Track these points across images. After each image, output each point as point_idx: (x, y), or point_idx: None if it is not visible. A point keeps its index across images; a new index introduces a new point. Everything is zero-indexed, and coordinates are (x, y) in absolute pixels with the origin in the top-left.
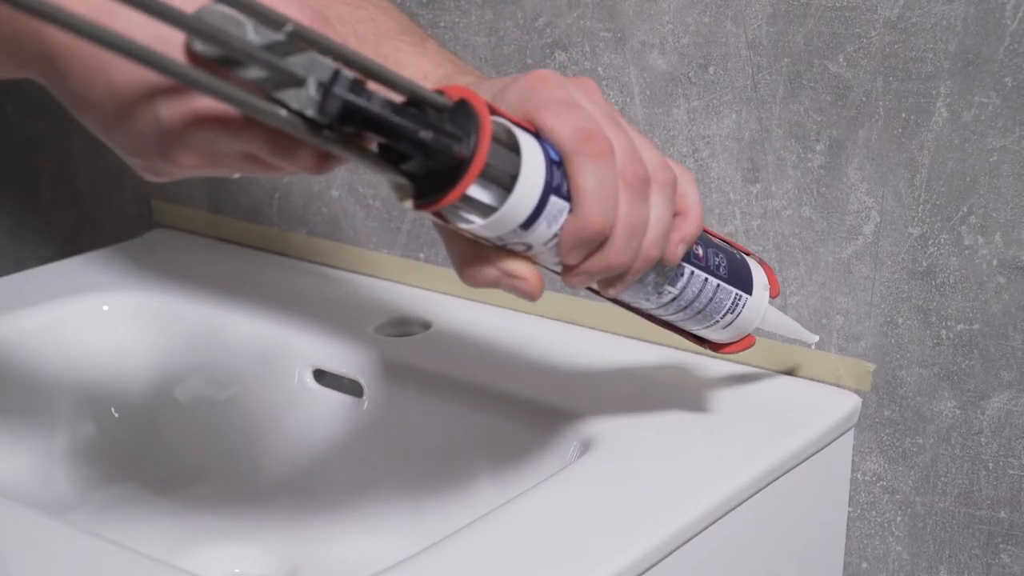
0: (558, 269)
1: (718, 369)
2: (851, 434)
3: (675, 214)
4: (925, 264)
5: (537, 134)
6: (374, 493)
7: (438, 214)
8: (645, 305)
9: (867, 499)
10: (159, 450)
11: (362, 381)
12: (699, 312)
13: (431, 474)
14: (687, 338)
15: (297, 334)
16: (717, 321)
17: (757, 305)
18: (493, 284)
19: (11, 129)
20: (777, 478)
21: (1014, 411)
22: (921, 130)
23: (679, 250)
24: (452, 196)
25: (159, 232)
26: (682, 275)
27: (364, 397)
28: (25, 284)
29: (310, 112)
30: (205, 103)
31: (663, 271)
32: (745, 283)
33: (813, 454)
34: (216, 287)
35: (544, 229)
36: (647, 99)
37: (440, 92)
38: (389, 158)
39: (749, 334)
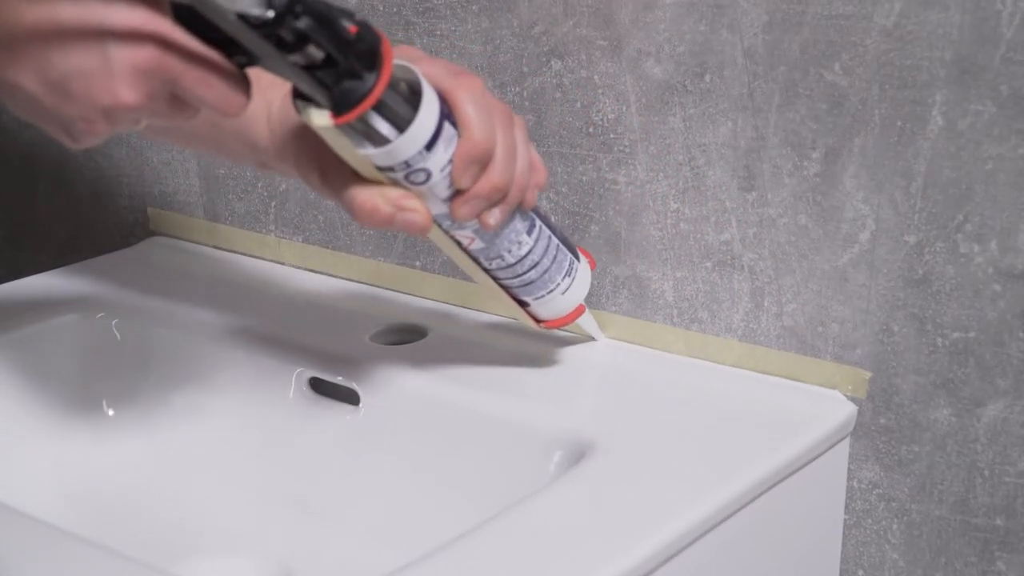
0: (445, 208)
1: (714, 376)
2: (847, 442)
3: None
4: (921, 272)
5: None
6: (370, 501)
7: (349, 128)
8: (507, 259)
9: (863, 507)
10: (155, 458)
11: (358, 389)
12: (546, 272)
13: (427, 482)
14: (526, 313)
15: (293, 342)
16: (558, 284)
17: (585, 273)
18: (387, 221)
19: (9, 137)
20: (773, 486)
21: (1010, 419)
22: (917, 138)
23: (535, 194)
24: (379, 87)
25: (156, 240)
26: (535, 226)
27: (360, 405)
28: (22, 292)
29: (256, 11)
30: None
31: (523, 216)
32: (573, 251)
33: (809, 462)
34: (212, 295)
35: (442, 153)
36: (643, 107)
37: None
38: (309, 70)
39: (580, 304)
